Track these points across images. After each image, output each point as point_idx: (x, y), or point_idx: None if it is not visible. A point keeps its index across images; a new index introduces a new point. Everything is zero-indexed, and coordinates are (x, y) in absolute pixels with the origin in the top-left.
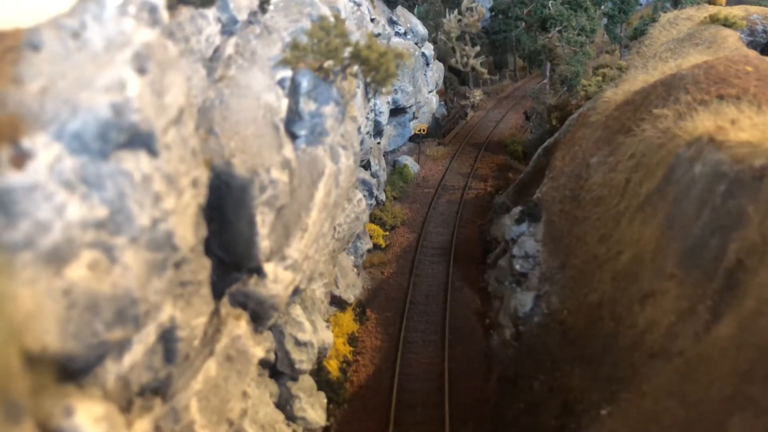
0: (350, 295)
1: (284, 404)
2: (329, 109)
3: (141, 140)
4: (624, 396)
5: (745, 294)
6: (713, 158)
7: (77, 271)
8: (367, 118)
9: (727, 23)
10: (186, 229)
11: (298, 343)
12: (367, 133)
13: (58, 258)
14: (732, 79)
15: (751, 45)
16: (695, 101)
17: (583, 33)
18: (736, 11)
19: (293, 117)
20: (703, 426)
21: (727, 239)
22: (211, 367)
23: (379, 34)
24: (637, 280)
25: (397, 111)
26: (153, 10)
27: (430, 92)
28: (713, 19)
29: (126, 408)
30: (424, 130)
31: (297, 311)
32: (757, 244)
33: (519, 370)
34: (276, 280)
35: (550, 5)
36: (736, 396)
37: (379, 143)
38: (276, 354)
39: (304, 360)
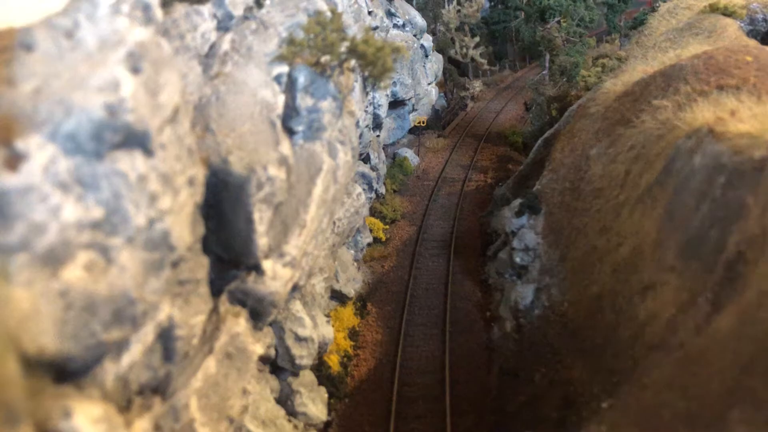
0: (350, 290)
1: (285, 400)
2: (326, 105)
3: (136, 140)
4: (624, 388)
5: (745, 286)
6: (713, 150)
7: (74, 273)
8: (366, 111)
9: (727, 12)
10: (183, 227)
11: (299, 339)
12: (366, 126)
13: (54, 259)
14: (732, 69)
15: (751, 34)
16: (695, 92)
17: (582, 23)
18: (736, 0)
19: (290, 113)
20: (704, 418)
21: (727, 231)
22: (210, 364)
23: (377, 27)
24: (637, 271)
25: (396, 103)
26: (147, 8)
27: (429, 84)
28: (713, 8)
29: (125, 407)
30: (423, 122)
31: (297, 307)
32: (757, 235)
33: (520, 362)
34: (275, 276)
35: None
36: (736, 388)
37: (378, 136)
38: (276, 350)
39: (304, 355)
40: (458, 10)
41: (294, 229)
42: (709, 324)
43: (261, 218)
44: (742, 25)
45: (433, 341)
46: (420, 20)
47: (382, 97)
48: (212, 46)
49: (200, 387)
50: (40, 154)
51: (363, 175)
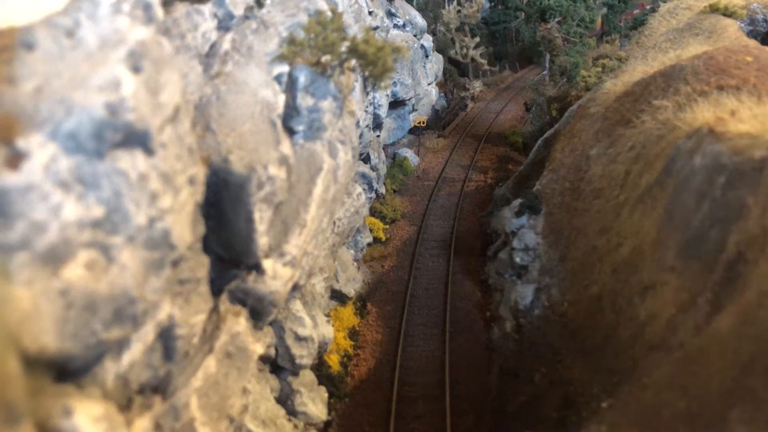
0: (350, 289)
1: (285, 399)
2: (327, 104)
3: (136, 139)
4: (624, 388)
5: (745, 286)
6: (713, 150)
7: (74, 271)
8: (366, 111)
9: (727, 13)
10: (183, 227)
11: (299, 338)
12: (366, 126)
13: (54, 258)
14: (732, 69)
15: (752, 34)
16: (695, 92)
17: (582, 24)
18: (736, 0)
19: (291, 112)
20: (704, 418)
21: (727, 231)
22: (210, 364)
23: (377, 27)
24: (637, 272)
25: (396, 103)
26: (148, 7)
27: (429, 84)
28: (713, 9)
29: (126, 406)
30: (423, 123)
31: (297, 306)
32: (757, 236)
33: (520, 362)
34: (275, 276)
35: None
36: (736, 388)
37: (378, 136)
38: (276, 349)
39: (304, 355)
40: (458, 11)
41: (294, 229)
42: (709, 324)
43: (261, 218)
44: (742, 25)
45: (433, 341)
46: (420, 20)
47: (382, 97)
48: (213, 46)
49: (200, 386)
50: (41, 153)
51: (363, 175)
